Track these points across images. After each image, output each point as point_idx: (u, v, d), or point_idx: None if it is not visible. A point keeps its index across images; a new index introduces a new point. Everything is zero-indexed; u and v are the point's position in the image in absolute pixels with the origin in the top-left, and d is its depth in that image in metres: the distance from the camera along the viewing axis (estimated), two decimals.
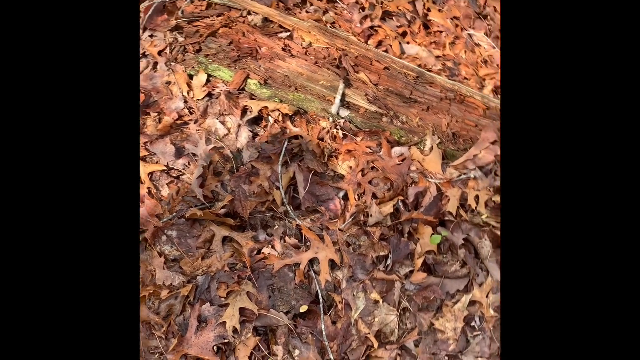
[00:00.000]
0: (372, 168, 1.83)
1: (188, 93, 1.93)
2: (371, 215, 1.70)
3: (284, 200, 1.73)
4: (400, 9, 2.45)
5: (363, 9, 2.36)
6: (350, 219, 1.71)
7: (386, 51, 2.21)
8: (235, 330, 1.48)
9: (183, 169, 1.76)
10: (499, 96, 2.26)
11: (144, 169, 1.71)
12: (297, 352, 1.51)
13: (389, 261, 1.64)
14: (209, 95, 1.94)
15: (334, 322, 1.56)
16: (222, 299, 1.53)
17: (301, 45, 2.03)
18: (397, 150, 1.89)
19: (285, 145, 1.83)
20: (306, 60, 1.97)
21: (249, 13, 2.09)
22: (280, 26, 2.07)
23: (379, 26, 2.31)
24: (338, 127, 1.92)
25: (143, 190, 1.68)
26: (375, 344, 1.52)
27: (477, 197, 1.78)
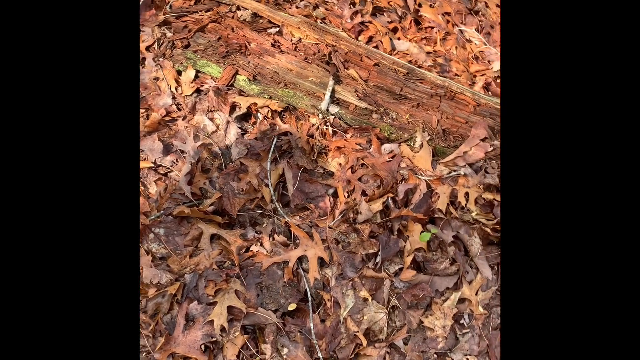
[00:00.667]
0: (362, 165, 1.83)
1: (176, 89, 1.91)
2: (361, 213, 1.70)
3: (273, 197, 1.71)
4: (391, 5, 2.44)
5: (353, 4, 2.35)
6: (340, 217, 1.71)
7: (377, 47, 2.20)
8: (223, 329, 1.47)
9: (171, 166, 1.74)
10: (490, 93, 2.26)
11: None
12: (285, 350, 1.50)
13: (378, 259, 1.64)
14: (198, 91, 1.92)
15: (322, 321, 1.55)
16: (210, 297, 1.52)
17: (291, 41, 2.01)
18: (387, 147, 1.88)
19: (274, 142, 1.81)
20: (296, 57, 1.96)
21: (238, 8, 2.07)
22: (270, 22, 2.05)
23: (369, 22, 2.30)
24: (328, 123, 1.90)
25: None
26: (364, 342, 1.52)
27: (467, 194, 1.77)
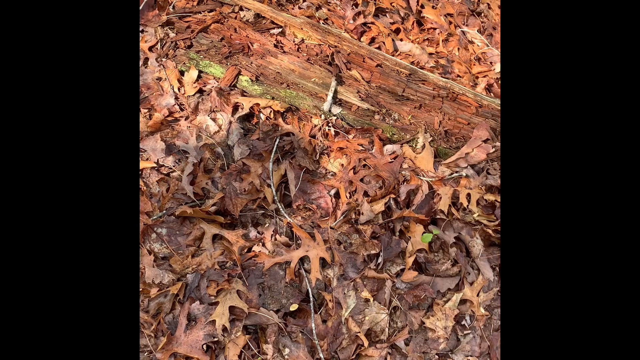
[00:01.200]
0: (364, 166, 1.83)
1: (179, 89, 1.92)
2: (362, 214, 1.70)
3: (275, 197, 1.72)
4: (393, 6, 2.44)
5: (356, 5, 2.35)
6: (342, 217, 1.71)
7: (379, 48, 2.20)
8: (225, 329, 1.48)
9: (173, 166, 1.74)
10: (492, 94, 2.26)
11: None
12: (287, 350, 1.50)
13: (380, 259, 1.64)
14: (200, 91, 1.93)
15: (324, 321, 1.55)
16: (212, 297, 1.52)
17: (293, 41, 2.01)
18: (389, 148, 1.88)
19: (276, 143, 1.81)
20: (298, 57, 1.96)
21: (241, 9, 2.08)
22: (272, 22, 2.05)
23: (372, 23, 2.30)
24: (330, 124, 1.91)
25: None
26: (366, 343, 1.52)
27: (469, 195, 1.77)
